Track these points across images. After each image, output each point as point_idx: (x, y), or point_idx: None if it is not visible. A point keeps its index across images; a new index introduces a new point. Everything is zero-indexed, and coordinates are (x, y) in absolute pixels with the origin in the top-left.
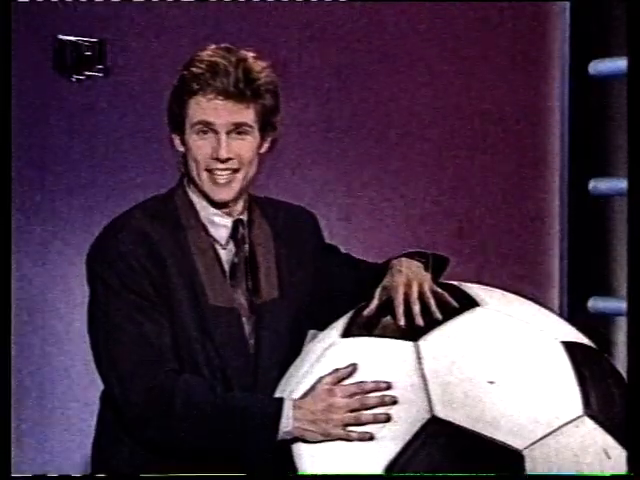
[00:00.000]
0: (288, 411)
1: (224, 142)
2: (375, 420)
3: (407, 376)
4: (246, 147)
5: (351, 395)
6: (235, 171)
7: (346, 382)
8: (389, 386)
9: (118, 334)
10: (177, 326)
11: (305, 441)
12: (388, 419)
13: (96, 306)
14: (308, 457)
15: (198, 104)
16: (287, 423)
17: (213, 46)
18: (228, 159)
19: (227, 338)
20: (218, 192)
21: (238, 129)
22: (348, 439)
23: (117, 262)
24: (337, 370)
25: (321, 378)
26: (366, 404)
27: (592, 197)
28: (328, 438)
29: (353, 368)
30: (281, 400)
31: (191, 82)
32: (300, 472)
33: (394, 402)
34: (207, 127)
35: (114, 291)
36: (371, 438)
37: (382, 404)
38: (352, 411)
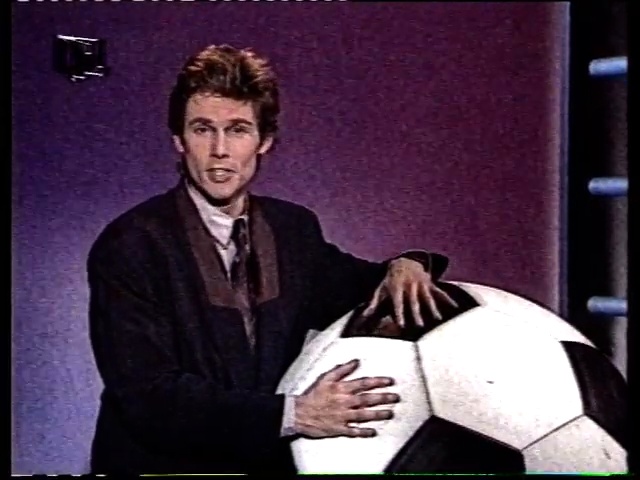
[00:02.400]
0: (290, 407)
1: (222, 139)
2: (378, 416)
3: (407, 376)
4: (244, 145)
5: (354, 391)
6: (233, 168)
7: (348, 378)
8: (392, 382)
9: (119, 334)
10: (178, 326)
11: (307, 437)
12: (391, 416)
13: (98, 306)
14: (308, 457)
15: (196, 102)
16: (289, 420)
17: (213, 46)
18: (225, 156)
19: (228, 338)
20: (216, 189)
21: (236, 126)
22: (350, 435)
23: (118, 263)
24: (339, 366)
25: (323, 374)
26: (369, 401)
27: (592, 197)
28: (330, 434)
29: (355, 364)
30: (282, 397)
31: (189, 80)
32: (300, 472)
33: (397, 400)
34: (205, 125)
35: (115, 291)
36: (374, 434)
37: (385, 401)
38: (355, 407)
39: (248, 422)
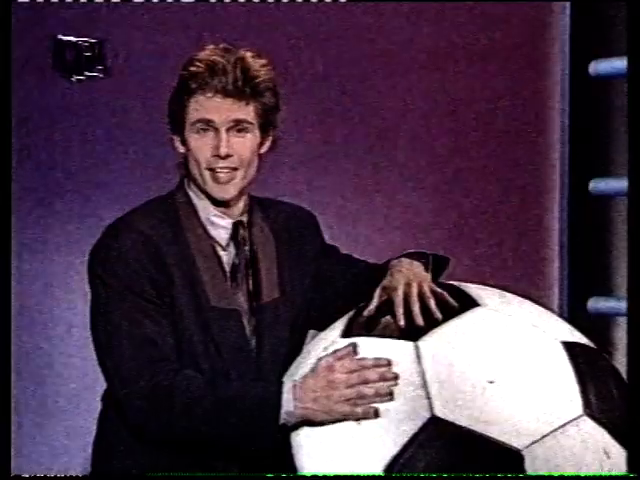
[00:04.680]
0: (288, 391)
1: (224, 139)
2: (377, 394)
3: (407, 376)
4: (246, 145)
5: (351, 371)
6: (235, 169)
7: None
8: (389, 363)
9: (120, 335)
10: (178, 327)
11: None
12: (390, 393)
13: (98, 307)
14: (308, 456)
15: (197, 103)
16: (288, 403)
17: (212, 46)
18: (228, 156)
19: (228, 339)
20: (219, 190)
21: (238, 126)
22: (352, 415)
23: (118, 263)
24: (336, 351)
25: (320, 359)
26: (366, 379)
27: (592, 197)
28: (331, 415)
29: (352, 347)
30: (281, 382)
31: (190, 81)
32: (300, 471)
33: (396, 377)
34: (207, 125)
35: (116, 292)
36: (376, 413)
37: (383, 379)
38: (353, 386)
39: (248, 409)
